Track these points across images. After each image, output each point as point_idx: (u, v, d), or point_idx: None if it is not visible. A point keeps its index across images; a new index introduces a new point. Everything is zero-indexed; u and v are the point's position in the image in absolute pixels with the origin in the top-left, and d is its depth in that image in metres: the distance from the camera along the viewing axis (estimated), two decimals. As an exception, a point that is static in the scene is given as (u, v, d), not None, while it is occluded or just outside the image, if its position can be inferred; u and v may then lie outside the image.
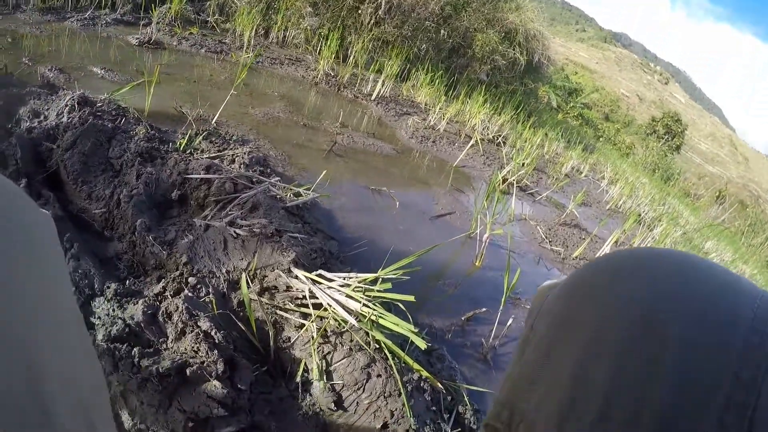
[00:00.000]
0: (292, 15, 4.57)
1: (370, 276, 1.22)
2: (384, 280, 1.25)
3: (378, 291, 1.15)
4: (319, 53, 4.30)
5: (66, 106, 1.44)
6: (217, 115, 2.29)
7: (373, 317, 1.09)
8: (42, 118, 1.46)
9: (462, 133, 4.08)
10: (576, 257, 2.54)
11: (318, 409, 0.95)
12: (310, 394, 0.98)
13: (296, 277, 1.21)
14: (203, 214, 1.34)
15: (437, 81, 5.07)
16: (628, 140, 16.33)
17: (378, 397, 0.96)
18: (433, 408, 1.01)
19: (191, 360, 0.78)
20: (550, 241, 2.57)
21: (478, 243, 2.17)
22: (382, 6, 4.83)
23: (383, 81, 4.11)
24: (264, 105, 2.87)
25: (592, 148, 8.70)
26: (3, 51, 2.20)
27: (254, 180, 1.56)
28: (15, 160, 1.20)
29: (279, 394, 0.94)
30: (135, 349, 0.78)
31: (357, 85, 4.15)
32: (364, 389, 0.99)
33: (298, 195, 1.81)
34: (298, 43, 4.61)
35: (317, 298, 1.16)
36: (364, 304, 1.10)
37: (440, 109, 4.10)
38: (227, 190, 1.39)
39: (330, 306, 1.12)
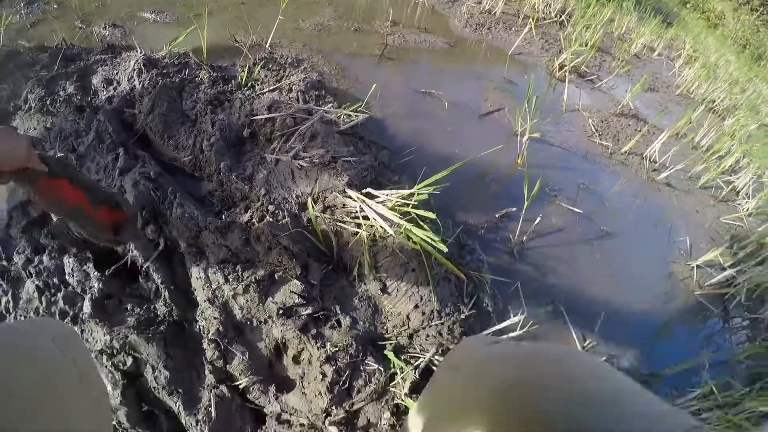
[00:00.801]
0: None
1: (406, 192, 1.49)
2: (420, 194, 1.52)
3: (411, 206, 1.43)
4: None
5: (134, 70, 1.73)
6: (270, 38, 2.45)
7: (408, 227, 1.38)
8: (115, 84, 1.77)
9: (521, 14, 3.74)
10: (625, 152, 2.53)
11: (369, 294, 1.32)
12: (364, 284, 1.35)
13: (349, 197, 1.52)
14: (271, 147, 1.65)
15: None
16: (719, 7, 13.09)
17: (412, 286, 1.31)
18: (456, 294, 1.34)
19: (277, 268, 1.17)
20: (600, 135, 2.56)
21: (518, 142, 2.28)
22: None
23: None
24: (313, 15, 2.92)
25: (674, 19, 7.31)
26: (55, 19, 2.40)
27: (311, 111, 1.80)
28: (108, 134, 1.54)
29: (341, 284, 1.32)
30: (237, 265, 1.18)
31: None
32: (402, 279, 1.33)
33: (349, 117, 2.03)
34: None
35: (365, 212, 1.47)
36: (399, 217, 1.39)
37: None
38: (288, 124, 1.66)
39: (375, 219, 1.43)
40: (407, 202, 1.49)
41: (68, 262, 1.19)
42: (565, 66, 2.98)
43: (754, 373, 1.77)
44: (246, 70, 2.06)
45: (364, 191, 1.55)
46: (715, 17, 12.82)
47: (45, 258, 1.21)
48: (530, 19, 3.47)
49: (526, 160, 2.24)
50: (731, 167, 3.15)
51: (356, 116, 2.02)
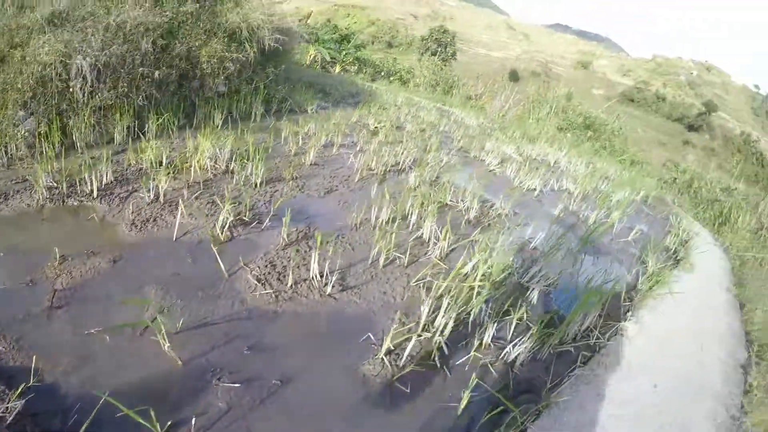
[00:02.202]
0: (6, 126, 3.80)
1: None
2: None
3: None
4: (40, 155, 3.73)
5: None
6: None
7: None
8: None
9: (189, 182, 4.02)
10: (291, 286, 2.92)
11: None
12: None
13: None
14: None
15: (167, 123, 4.93)
16: (407, 65, 17.52)
17: None
18: None
19: None
20: (263, 283, 2.89)
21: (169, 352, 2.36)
22: (87, 74, 4.31)
23: (106, 159, 3.73)
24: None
25: (361, 97, 9.30)
26: None
27: None
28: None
29: None
30: None
31: (85, 176, 3.56)
32: None
33: None
34: (22, 155, 3.83)
35: None
36: None
37: (166, 167, 4.04)
38: None
39: None
40: None
41: None
42: (227, 224, 3.33)
43: None
44: None
45: None
46: (406, 73, 16.18)
47: None
48: (181, 197, 3.62)
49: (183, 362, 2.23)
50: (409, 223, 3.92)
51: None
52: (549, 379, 2.81)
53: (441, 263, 3.86)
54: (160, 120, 4.86)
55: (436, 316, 2.97)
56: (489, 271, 3.52)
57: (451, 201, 5.22)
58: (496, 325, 3.02)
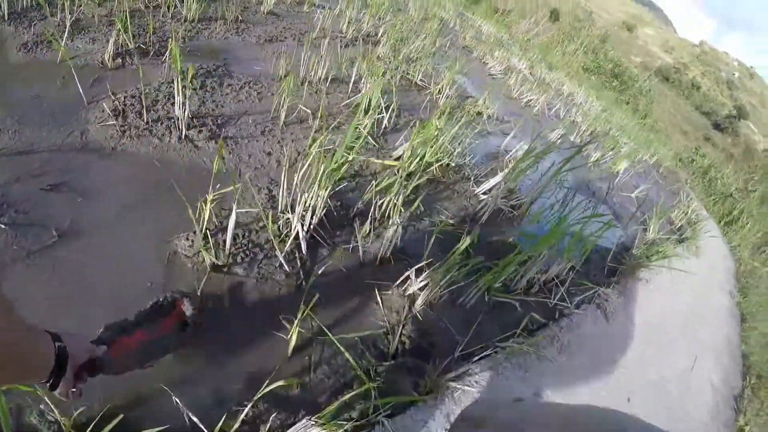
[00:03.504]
0: None
1: None
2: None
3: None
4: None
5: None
6: None
7: None
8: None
9: (114, 10, 2.50)
10: None
11: None
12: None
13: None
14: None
15: None
16: None
17: None
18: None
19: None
20: None
21: None
22: None
23: None
24: None
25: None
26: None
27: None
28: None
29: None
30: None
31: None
32: None
33: None
34: None
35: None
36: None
37: None
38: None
39: None
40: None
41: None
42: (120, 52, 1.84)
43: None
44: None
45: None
46: None
47: None
48: (93, 24, 2.20)
49: None
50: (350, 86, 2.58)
51: None
52: (464, 341, 1.62)
53: (371, 139, 2.55)
54: None
55: (314, 206, 1.71)
56: (431, 159, 2.22)
57: (421, 81, 3.76)
58: (409, 235, 1.77)
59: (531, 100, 5.10)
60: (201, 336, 1.28)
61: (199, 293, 1.36)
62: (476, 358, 1.52)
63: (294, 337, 1.30)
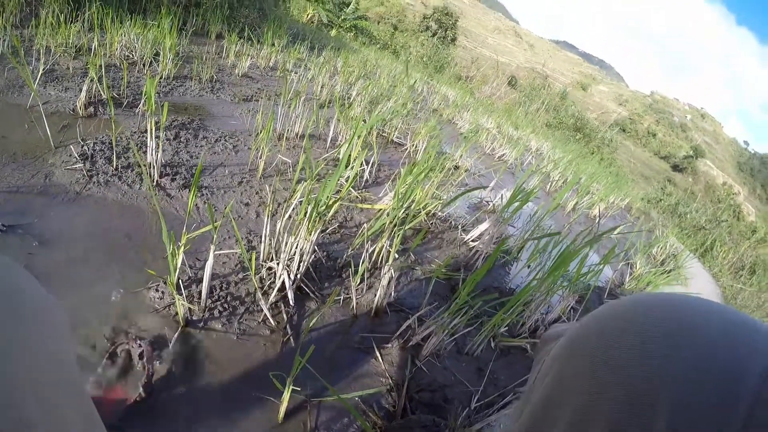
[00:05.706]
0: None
1: None
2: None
3: None
4: None
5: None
6: None
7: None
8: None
9: (90, 63, 2.53)
10: None
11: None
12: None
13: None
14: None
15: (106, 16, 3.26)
16: (403, 40, 16.44)
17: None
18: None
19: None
20: None
21: None
22: None
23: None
24: None
25: (343, 50, 7.86)
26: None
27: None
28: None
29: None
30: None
31: None
32: None
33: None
34: None
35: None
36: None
37: (71, 46, 2.44)
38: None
39: None
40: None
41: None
42: (93, 101, 1.80)
43: None
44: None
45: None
46: (400, 47, 15.40)
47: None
48: (67, 74, 2.22)
49: None
50: (328, 141, 2.54)
51: None
52: (478, 391, 1.44)
53: (353, 191, 2.50)
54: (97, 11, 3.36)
55: (302, 252, 1.58)
56: (419, 207, 2.15)
57: (397, 138, 3.84)
58: (402, 285, 1.64)
59: (503, 155, 5.28)
60: (168, 405, 1.06)
61: (170, 350, 1.16)
62: (497, 406, 1.33)
63: (286, 400, 1.10)
